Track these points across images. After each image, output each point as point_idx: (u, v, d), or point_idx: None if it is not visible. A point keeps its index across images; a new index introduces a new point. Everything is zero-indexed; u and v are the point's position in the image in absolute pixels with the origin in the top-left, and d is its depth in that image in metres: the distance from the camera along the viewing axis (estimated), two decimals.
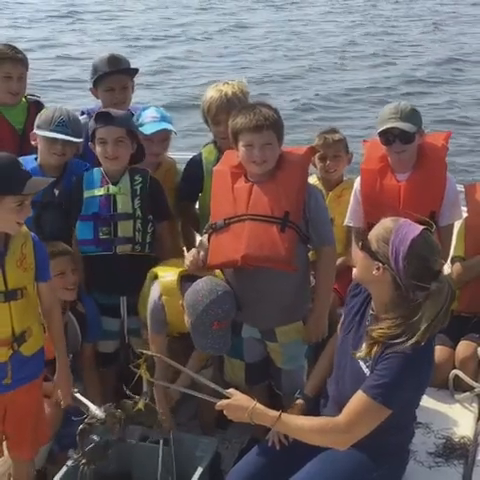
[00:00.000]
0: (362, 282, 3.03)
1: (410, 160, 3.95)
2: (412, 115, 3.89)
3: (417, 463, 3.39)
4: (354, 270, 3.61)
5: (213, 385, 3.12)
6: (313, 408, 3.22)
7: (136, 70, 4.47)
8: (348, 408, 2.84)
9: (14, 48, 4.43)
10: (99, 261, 3.80)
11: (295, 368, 3.68)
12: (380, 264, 2.83)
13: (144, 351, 3.29)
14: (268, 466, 3.11)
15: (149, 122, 4.11)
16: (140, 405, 3.24)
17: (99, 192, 3.80)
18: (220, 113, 3.95)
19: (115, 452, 3.45)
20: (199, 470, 3.30)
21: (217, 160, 3.88)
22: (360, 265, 2.96)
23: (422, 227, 2.85)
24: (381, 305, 2.92)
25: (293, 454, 3.09)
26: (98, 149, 3.80)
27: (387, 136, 3.88)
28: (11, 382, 3.11)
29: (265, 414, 2.94)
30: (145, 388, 3.23)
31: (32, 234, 3.20)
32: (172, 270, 3.60)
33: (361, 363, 2.94)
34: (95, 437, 3.19)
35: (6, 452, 3.41)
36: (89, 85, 4.46)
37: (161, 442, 3.38)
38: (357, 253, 3.01)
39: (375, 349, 2.84)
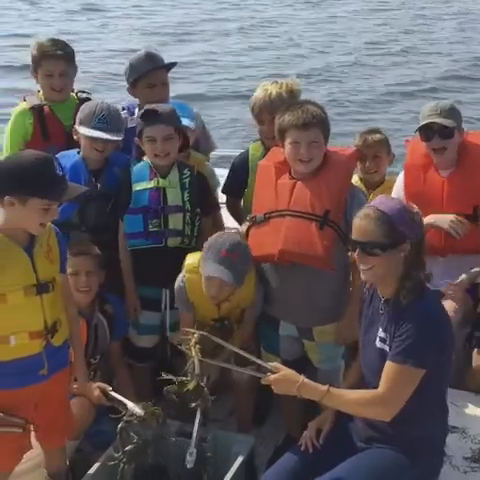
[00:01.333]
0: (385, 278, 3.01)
1: (451, 157, 3.97)
2: (451, 112, 3.94)
3: (452, 467, 3.36)
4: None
5: (257, 360, 3.14)
6: None
7: (174, 64, 4.49)
8: (383, 380, 2.87)
9: (57, 44, 4.42)
10: (149, 254, 3.84)
11: (332, 368, 3.70)
12: (404, 244, 2.87)
13: (191, 330, 3.30)
14: (304, 468, 3.12)
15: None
16: (190, 385, 3.23)
17: (148, 185, 3.84)
18: (263, 113, 3.98)
19: (153, 448, 3.50)
20: (234, 467, 3.32)
21: (263, 157, 3.91)
22: (387, 266, 2.92)
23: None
24: (391, 283, 2.94)
25: (328, 456, 3.11)
26: (147, 146, 3.84)
27: (427, 132, 3.91)
28: (47, 373, 3.15)
29: (314, 388, 2.96)
30: (197, 370, 3.18)
31: (54, 227, 3.23)
32: (200, 253, 3.66)
33: (383, 346, 2.97)
34: (134, 435, 3.22)
35: (37, 444, 3.43)
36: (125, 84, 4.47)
37: (196, 425, 3.35)
38: None
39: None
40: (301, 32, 19.49)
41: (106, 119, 3.92)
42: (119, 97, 7.00)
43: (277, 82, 4.03)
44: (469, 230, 3.85)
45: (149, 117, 3.80)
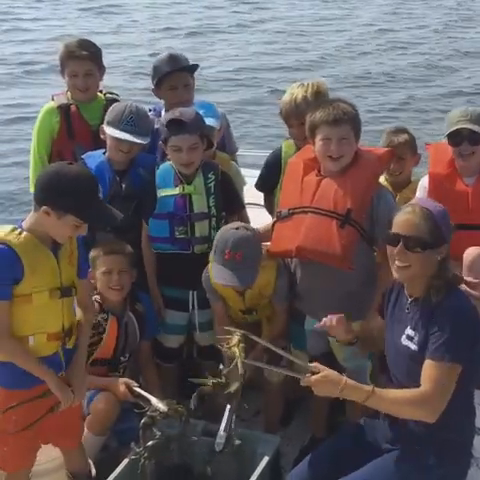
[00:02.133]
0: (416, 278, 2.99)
1: (477, 162, 3.92)
2: None
3: (479, 469, 3.34)
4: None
5: (296, 360, 3.10)
6: None
7: (196, 66, 4.49)
8: (425, 380, 2.83)
9: (82, 44, 4.46)
10: (174, 259, 3.85)
11: (357, 367, 3.67)
12: (443, 246, 2.89)
13: (231, 328, 3.25)
14: (329, 468, 3.11)
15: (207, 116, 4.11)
16: (233, 388, 3.18)
17: (174, 191, 3.84)
18: (290, 117, 3.97)
19: (177, 446, 3.52)
20: (260, 467, 3.32)
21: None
22: (423, 265, 2.91)
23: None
24: (421, 283, 2.93)
25: (353, 456, 3.09)
26: (172, 156, 3.84)
27: (455, 138, 3.86)
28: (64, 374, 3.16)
29: (358, 388, 2.88)
30: (240, 370, 3.11)
31: None
32: None
33: (409, 344, 2.96)
34: (157, 432, 3.22)
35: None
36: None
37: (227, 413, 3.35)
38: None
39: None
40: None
41: (134, 121, 3.92)
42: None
43: (303, 85, 4.01)
44: None
45: (174, 126, 3.78)
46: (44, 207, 2.96)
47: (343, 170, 3.50)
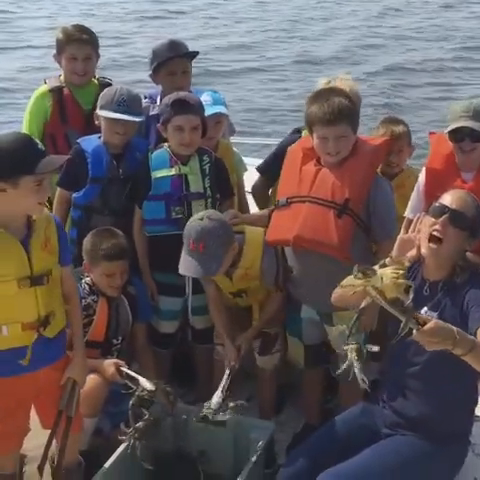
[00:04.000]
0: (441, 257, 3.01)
1: (477, 159, 3.90)
2: None
3: (476, 456, 3.36)
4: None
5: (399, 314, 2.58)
6: None
7: (196, 53, 4.49)
8: None
9: (81, 28, 4.48)
10: (169, 240, 3.81)
11: None
12: (476, 238, 2.97)
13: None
14: (328, 452, 3.12)
15: (219, 104, 4.15)
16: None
17: (170, 172, 3.84)
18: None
19: (171, 431, 3.52)
20: (255, 453, 3.32)
21: None
22: (454, 247, 2.96)
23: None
24: (444, 266, 2.97)
25: (353, 440, 3.10)
26: (173, 135, 3.82)
27: (456, 135, 3.83)
28: (29, 364, 3.09)
29: (466, 336, 2.61)
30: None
31: (54, 216, 3.21)
32: None
33: None
34: (146, 413, 3.23)
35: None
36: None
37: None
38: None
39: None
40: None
41: (126, 102, 3.93)
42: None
43: (330, 82, 3.94)
44: None
45: (179, 106, 3.79)
46: None
47: (342, 160, 3.50)
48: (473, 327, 2.80)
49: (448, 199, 3.00)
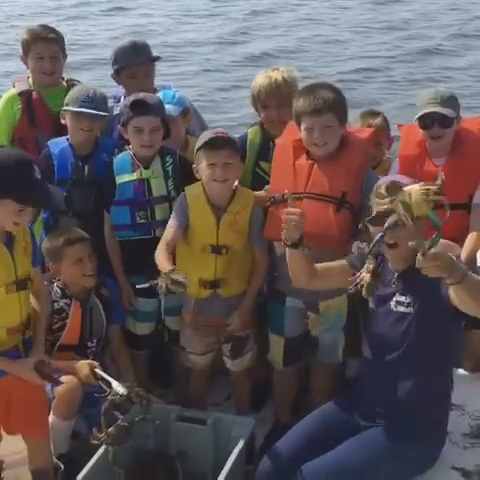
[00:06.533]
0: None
1: (447, 145, 3.96)
2: (451, 100, 3.90)
3: (452, 444, 3.40)
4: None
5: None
6: None
7: (157, 58, 4.49)
8: None
9: (47, 28, 4.46)
10: (137, 245, 3.81)
11: (332, 339, 3.75)
12: None
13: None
14: (306, 447, 3.14)
15: (167, 103, 4.08)
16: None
17: (132, 177, 3.83)
18: (269, 98, 3.94)
19: (153, 431, 3.52)
20: (236, 449, 3.34)
21: (261, 142, 3.96)
22: (410, 237, 2.88)
23: None
24: (408, 255, 2.97)
25: (331, 434, 3.13)
26: (133, 137, 3.82)
27: (426, 120, 3.89)
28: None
29: (458, 264, 2.69)
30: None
31: None
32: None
33: (401, 308, 3.05)
34: (120, 416, 3.20)
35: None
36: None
37: None
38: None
39: None
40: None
41: (91, 98, 3.93)
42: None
43: (277, 69, 4.02)
44: (459, 219, 3.75)
45: (137, 108, 3.77)
46: None
47: (333, 153, 3.52)
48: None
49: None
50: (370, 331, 3.21)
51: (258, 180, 3.87)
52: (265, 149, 3.96)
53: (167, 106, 4.02)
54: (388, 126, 4.48)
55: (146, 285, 3.27)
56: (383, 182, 3.02)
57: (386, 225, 2.69)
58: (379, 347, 3.15)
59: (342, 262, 3.26)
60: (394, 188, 2.67)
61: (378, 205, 2.86)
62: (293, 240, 3.14)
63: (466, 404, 3.67)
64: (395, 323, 3.08)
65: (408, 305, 3.05)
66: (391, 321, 3.10)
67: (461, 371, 3.91)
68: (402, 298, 3.06)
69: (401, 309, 3.06)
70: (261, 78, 4.00)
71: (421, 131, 3.93)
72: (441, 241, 2.85)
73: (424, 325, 3.01)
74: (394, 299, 3.08)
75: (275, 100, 3.92)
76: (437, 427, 3.12)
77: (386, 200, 2.67)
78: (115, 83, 4.52)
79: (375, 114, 4.49)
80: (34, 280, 3.17)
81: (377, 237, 2.80)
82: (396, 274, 3.10)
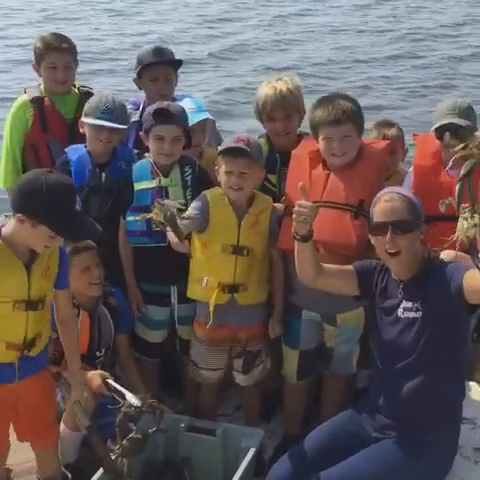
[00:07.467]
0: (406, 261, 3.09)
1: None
2: (469, 112, 3.90)
3: (463, 458, 3.37)
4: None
5: None
6: None
7: (180, 61, 4.49)
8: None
9: (60, 37, 4.46)
10: (152, 252, 3.80)
11: (348, 351, 3.74)
12: (423, 225, 3.11)
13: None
14: (316, 458, 3.13)
15: (191, 112, 4.07)
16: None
17: (151, 184, 3.82)
18: (276, 110, 3.92)
19: (163, 441, 3.51)
20: (246, 460, 3.33)
21: (268, 154, 3.91)
22: (413, 248, 3.06)
23: None
24: (412, 266, 3.06)
25: (341, 446, 3.11)
26: (154, 145, 3.81)
27: (443, 131, 3.87)
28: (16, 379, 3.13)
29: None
30: None
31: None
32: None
33: (410, 314, 3.07)
34: (134, 428, 3.18)
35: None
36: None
37: None
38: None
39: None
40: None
41: (110, 110, 3.93)
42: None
43: (281, 79, 3.98)
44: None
45: (160, 116, 3.77)
46: (18, 214, 2.90)
47: (350, 164, 3.52)
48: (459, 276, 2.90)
49: (380, 214, 3.09)
50: (379, 341, 3.20)
51: (266, 193, 3.82)
52: (272, 161, 3.94)
53: (205, 113, 4.05)
54: (403, 137, 4.46)
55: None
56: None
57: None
58: (389, 356, 3.14)
59: (348, 267, 3.29)
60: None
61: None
62: (303, 233, 3.15)
63: (477, 417, 3.65)
64: (404, 330, 3.07)
65: (416, 310, 3.05)
66: (400, 328, 3.09)
67: (472, 384, 3.88)
68: (409, 304, 3.07)
69: (409, 315, 3.06)
70: (265, 89, 3.97)
71: (437, 141, 3.92)
72: (453, 252, 2.91)
73: (434, 328, 3.01)
74: (401, 306, 3.09)
75: (281, 111, 3.90)
76: (449, 436, 3.10)
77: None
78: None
79: (390, 125, 4.47)
80: (59, 305, 3.21)
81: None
82: (401, 284, 3.11)
